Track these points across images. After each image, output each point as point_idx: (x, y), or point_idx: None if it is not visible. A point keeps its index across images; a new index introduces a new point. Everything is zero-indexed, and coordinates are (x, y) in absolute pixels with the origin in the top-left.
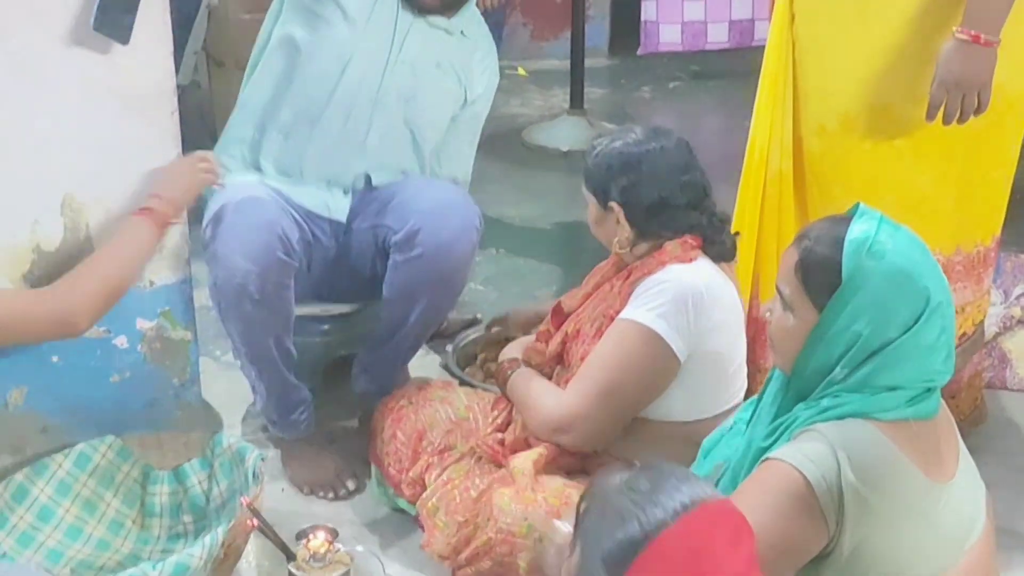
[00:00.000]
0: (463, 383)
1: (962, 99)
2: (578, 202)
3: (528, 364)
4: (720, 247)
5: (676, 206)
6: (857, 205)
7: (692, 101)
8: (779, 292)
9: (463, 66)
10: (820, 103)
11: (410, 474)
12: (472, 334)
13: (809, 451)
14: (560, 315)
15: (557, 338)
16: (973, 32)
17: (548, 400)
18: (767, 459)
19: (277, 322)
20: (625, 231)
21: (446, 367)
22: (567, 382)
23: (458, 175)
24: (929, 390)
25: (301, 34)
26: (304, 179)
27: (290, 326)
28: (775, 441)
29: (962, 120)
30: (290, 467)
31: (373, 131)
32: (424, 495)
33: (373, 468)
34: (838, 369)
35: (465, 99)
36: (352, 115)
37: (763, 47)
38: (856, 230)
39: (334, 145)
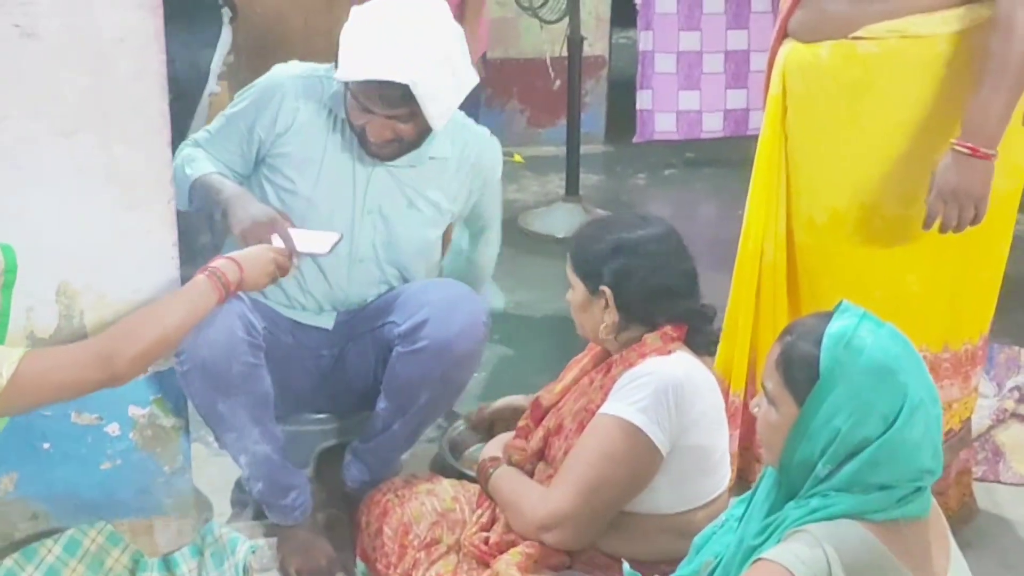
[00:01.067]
0: (456, 472)
1: (959, 210)
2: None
3: (509, 461)
4: (704, 337)
5: (671, 293)
6: (841, 302)
7: (686, 189)
8: (763, 387)
9: (443, 190)
10: (810, 197)
11: (398, 570)
12: (462, 425)
13: (800, 552)
14: (539, 410)
15: (539, 434)
16: (971, 145)
17: (532, 499)
18: (759, 559)
19: (252, 403)
20: (612, 316)
21: (440, 456)
22: (550, 478)
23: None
24: (919, 489)
25: (271, 198)
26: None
27: (269, 407)
28: (766, 540)
29: (958, 230)
30: (282, 552)
31: (354, 281)
32: None
33: (359, 563)
34: (820, 465)
35: (455, 213)
36: (330, 270)
37: (757, 136)
38: (836, 325)
39: (318, 293)
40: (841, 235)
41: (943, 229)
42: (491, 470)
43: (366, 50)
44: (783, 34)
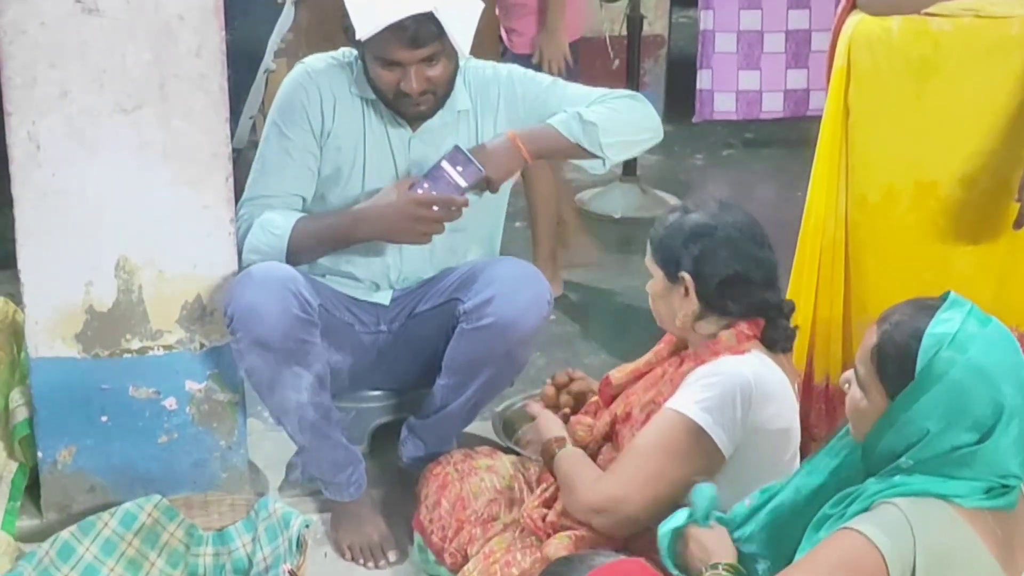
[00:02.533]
0: (509, 451)
1: None
2: (630, 269)
3: (573, 437)
4: (781, 332)
5: (751, 281)
6: (948, 294)
7: (745, 169)
8: (856, 370)
9: (474, 144)
10: (864, 175)
11: (453, 544)
12: (518, 403)
13: (888, 527)
14: (608, 388)
15: (605, 417)
16: None
17: (587, 480)
18: (843, 528)
19: (307, 381)
20: (692, 304)
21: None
22: (614, 460)
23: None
24: (1005, 486)
25: (332, 198)
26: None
27: (325, 384)
28: (845, 509)
29: None
30: (336, 529)
31: (407, 257)
32: (466, 568)
33: (416, 534)
34: (905, 458)
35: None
36: (382, 246)
37: (818, 117)
38: (938, 325)
39: (372, 270)
40: (894, 214)
41: None
42: (556, 449)
43: (372, 3)
44: (851, 5)
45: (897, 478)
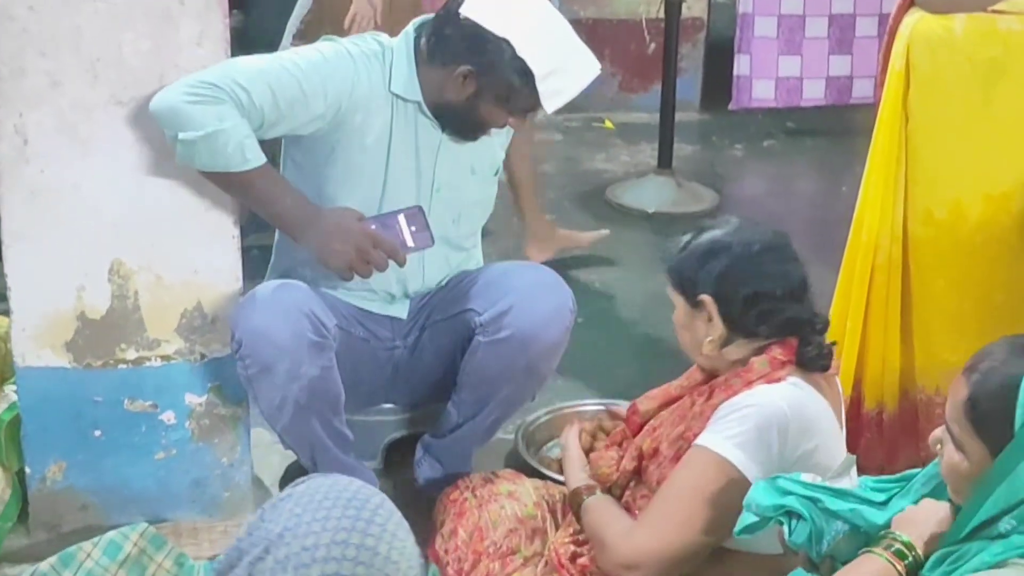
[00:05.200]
0: (533, 471)
1: None
2: (663, 269)
3: (597, 473)
4: (816, 349)
5: (775, 297)
6: None
7: (787, 161)
8: (948, 428)
9: (495, 150)
10: (930, 188)
11: None
12: (542, 417)
13: None
14: (636, 417)
15: (631, 452)
16: None
17: (616, 532)
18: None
19: (322, 407)
20: (717, 329)
21: (516, 451)
22: (644, 498)
23: None
24: None
25: (336, 180)
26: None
27: (339, 408)
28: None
29: None
30: None
31: (430, 264)
32: None
33: (431, 565)
34: (1006, 520)
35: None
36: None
37: (862, 105)
38: None
39: (391, 280)
40: (962, 231)
41: None
42: (586, 496)
43: (561, 70)
44: (909, 3)
45: (1017, 538)
